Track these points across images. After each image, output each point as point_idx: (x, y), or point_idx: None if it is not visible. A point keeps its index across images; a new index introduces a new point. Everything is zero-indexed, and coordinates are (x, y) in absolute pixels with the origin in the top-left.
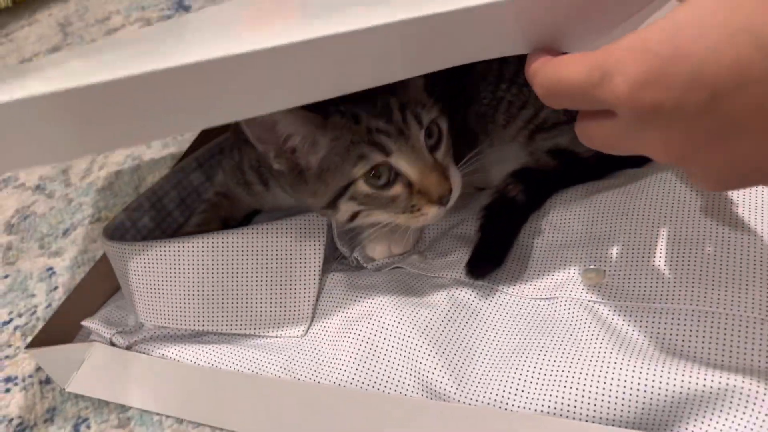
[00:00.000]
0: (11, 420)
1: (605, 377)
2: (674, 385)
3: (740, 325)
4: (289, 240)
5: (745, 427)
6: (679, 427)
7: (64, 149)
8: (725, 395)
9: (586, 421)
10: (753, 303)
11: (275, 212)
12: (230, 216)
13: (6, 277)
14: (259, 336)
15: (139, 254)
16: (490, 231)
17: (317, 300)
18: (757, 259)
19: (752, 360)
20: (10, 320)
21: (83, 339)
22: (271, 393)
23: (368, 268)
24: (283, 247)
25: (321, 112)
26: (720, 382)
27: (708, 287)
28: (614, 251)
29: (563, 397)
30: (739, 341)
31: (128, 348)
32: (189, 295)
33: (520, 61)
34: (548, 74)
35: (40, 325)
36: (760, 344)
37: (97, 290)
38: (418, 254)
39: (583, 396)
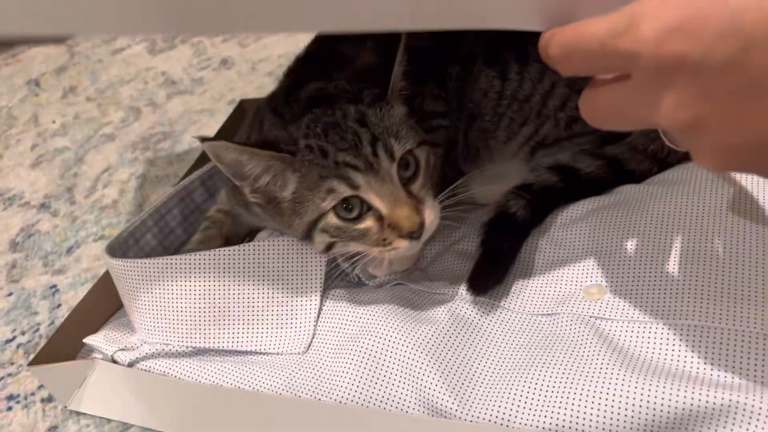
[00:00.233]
0: None
1: (607, 393)
2: (677, 402)
3: (743, 341)
4: (291, 256)
5: None
6: None
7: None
8: (728, 411)
9: None
10: (755, 318)
11: (277, 230)
12: (232, 233)
13: (10, 294)
14: (260, 353)
15: (141, 271)
16: (492, 247)
17: (318, 316)
18: (759, 274)
19: (755, 375)
20: (13, 338)
21: (85, 356)
22: (273, 410)
23: (370, 285)
24: (285, 263)
25: (292, 146)
26: (723, 398)
27: (710, 302)
28: (615, 267)
29: (565, 414)
30: (741, 356)
31: (130, 365)
32: (190, 312)
33: (521, 77)
34: (566, 33)
35: (43, 342)
36: (763, 359)
37: (100, 308)
38: (420, 270)
39: (585, 412)
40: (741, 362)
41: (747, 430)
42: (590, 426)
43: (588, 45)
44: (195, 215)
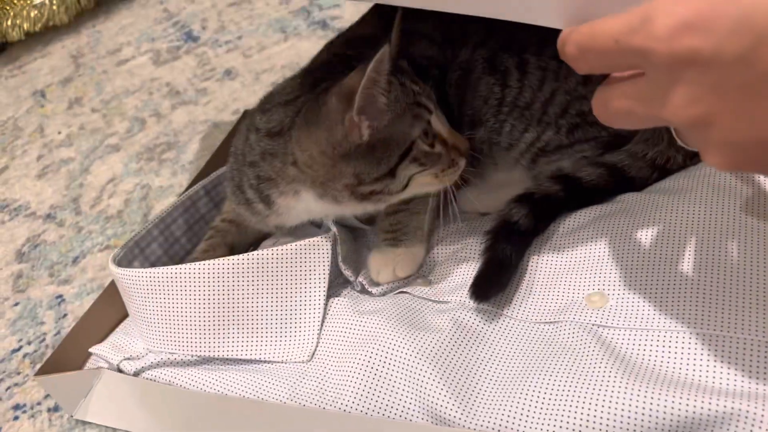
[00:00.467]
0: None
1: (610, 402)
2: (680, 410)
3: (745, 348)
4: (294, 264)
5: None
6: None
7: None
8: (731, 419)
9: None
10: (758, 326)
11: (281, 237)
12: (237, 242)
13: (16, 304)
14: (265, 361)
15: (146, 281)
16: (494, 255)
17: (322, 325)
18: (762, 281)
19: (758, 383)
20: (20, 348)
21: (91, 365)
22: (277, 419)
23: (373, 293)
24: (288, 271)
25: None
26: (726, 406)
27: (712, 310)
28: (617, 275)
29: (568, 422)
30: (744, 364)
31: (136, 374)
32: (195, 321)
33: (521, 85)
34: (583, 30)
35: (49, 352)
36: (765, 367)
37: (106, 317)
38: (422, 278)
39: (587, 421)
40: (744, 370)
41: None
42: None
43: (603, 42)
44: (200, 225)
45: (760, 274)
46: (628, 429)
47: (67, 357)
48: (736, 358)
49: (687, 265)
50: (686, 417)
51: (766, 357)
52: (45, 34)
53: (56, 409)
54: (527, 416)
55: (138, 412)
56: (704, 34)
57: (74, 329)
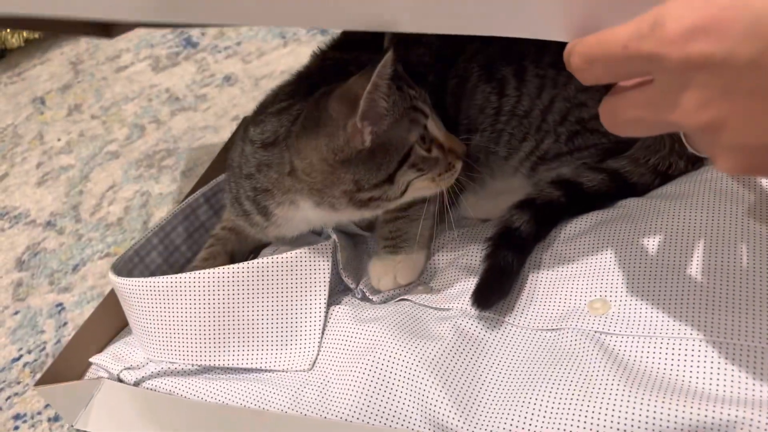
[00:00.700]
0: None
1: (612, 410)
2: (683, 418)
3: (748, 355)
4: (295, 272)
5: None
6: None
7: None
8: (734, 427)
9: None
10: (761, 332)
11: (281, 245)
12: (237, 250)
13: (16, 313)
14: (266, 370)
15: (146, 290)
16: (496, 262)
17: (323, 333)
18: (764, 287)
19: (761, 391)
20: (20, 357)
21: (92, 375)
22: (279, 428)
23: (374, 300)
24: (289, 279)
25: None
26: (729, 414)
27: (715, 317)
28: (619, 281)
29: (570, 430)
30: (747, 372)
31: (136, 384)
32: (195, 330)
33: (519, 93)
34: (590, 40)
35: (50, 361)
36: None
37: (106, 326)
38: (423, 285)
39: (590, 429)
40: (747, 378)
41: None
42: None
43: (610, 50)
44: (200, 233)
45: (765, 279)
46: None
47: (68, 366)
48: (739, 366)
49: (690, 270)
50: (690, 425)
51: None
52: (44, 40)
53: (56, 419)
54: (529, 424)
55: (139, 422)
56: (716, 38)
57: (74, 338)
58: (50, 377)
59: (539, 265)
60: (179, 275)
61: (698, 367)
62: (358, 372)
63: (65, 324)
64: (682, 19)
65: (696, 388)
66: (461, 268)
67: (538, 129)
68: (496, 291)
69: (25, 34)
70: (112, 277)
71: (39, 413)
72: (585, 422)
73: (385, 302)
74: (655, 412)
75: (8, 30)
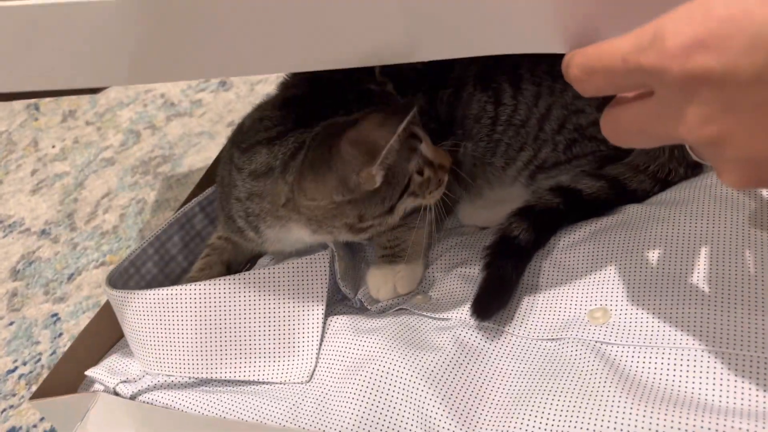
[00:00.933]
0: None
1: (614, 421)
2: (685, 429)
3: (751, 366)
4: (291, 283)
5: None
6: None
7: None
8: None
9: None
10: (764, 342)
11: (278, 254)
12: (233, 259)
13: (11, 324)
14: (264, 382)
15: (142, 302)
16: (495, 271)
17: (321, 344)
18: (766, 298)
19: (765, 402)
20: (15, 368)
21: (87, 387)
22: None
23: (372, 310)
24: (285, 291)
25: None
26: (732, 426)
27: (717, 326)
28: (620, 290)
29: None
30: (750, 382)
31: (132, 397)
32: (192, 343)
33: (516, 102)
34: (588, 51)
35: (45, 372)
36: None
37: (102, 337)
38: (422, 294)
39: None
40: (750, 388)
41: None
42: None
43: (610, 62)
44: (195, 242)
45: (766, 287)
46: None
47: (63, 379)
48: (742, 376)
49: (691, 279)
50: None
51: None
52: None
53: None
54: None
55: None
56: (718, 53)
57: (70, 349)
58: (45, 390)
59: (539, 274)
60: (174, 287)
61: (700, 377)
62: (357, 384)
63: (60, 335)
64: (683, 33)
65: (698, 399)
66: (460, 277)
67: (535, 138)
68: (495, 301)
69: None
70: (108, 289)
71: (35, 426)
72: None
73: (383, 312)
74: (657, 423)
75: None
